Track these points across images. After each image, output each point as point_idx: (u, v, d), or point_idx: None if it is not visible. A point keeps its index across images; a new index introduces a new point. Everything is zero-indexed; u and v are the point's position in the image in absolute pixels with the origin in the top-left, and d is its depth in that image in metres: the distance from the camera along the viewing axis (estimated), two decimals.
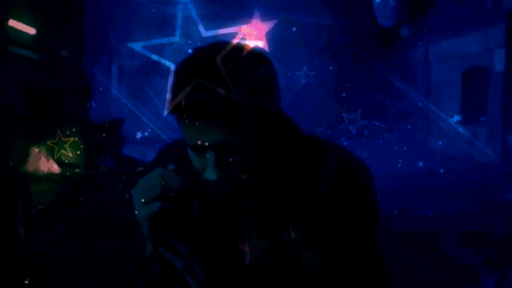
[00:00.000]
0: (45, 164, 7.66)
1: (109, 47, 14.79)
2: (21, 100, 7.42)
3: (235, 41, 1.09)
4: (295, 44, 14.12)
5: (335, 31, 15.69)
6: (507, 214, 5.89)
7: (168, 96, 1.03)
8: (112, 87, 16.00)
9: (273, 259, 1.09)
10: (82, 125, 8.15)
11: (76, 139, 7.76)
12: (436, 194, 7.45)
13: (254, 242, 1.10)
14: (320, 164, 1.09)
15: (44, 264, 4.26)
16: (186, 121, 1.01)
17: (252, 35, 1.15)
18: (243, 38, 1.14)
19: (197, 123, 1.00)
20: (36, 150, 7.53)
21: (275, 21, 1.15)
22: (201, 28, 1.26)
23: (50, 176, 7.59)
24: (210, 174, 1.03)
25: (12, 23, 6.97)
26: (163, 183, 0.98)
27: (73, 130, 7.74)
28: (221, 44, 1.05)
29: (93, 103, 9.10)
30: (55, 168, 7.75)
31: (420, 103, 14.03)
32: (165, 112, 1.03)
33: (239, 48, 1.04)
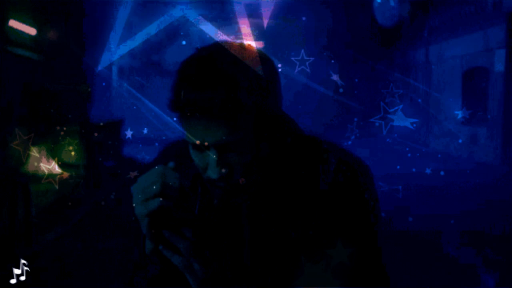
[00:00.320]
0: (45, 164, 7.66)
1: (109, 47, 14.78)
2: (21, 100, 7.41)
3: (235, 41, 1.09)
4: (295, 44, 14.11)
5: (335, 31, 15.69)
6: (507, 214, 5.89)
7: (170, 95, 1.03)
8: (112, 87, 16.01)
9: (273, 259, 1.09)
10: (82, 125, 8.15)
11: (76, 139, 7.76)
12: (436, 194, 7.45)
13: (254, 242, 1.10)
14: (320, 164, 1.09)
15: (44, 264, 4.26)
16: (188, 120, 1.02)
17: (252, 35, 1.16)
18: (243, 38, 1.15)
19: (198, 122, 1.01)
20: (36, 150, 7.53)
21: (275, 21, 1.16)
22: (201, 28, 1.26)
23: (50, 176, 7.58)
24: (212, 173, 1.03)
25: (12, 23, 6.97)
26: (163, 181, 0.99)
27: (73, 130, 7.74)
28: (222, 43, 1.06)
29: (93, 103, 9.10)
30: (55, 168, 7.75)
31: (420, 103, 14.02)
32: (167, 111, 1.03)
33: (240, 47, 1.04)
